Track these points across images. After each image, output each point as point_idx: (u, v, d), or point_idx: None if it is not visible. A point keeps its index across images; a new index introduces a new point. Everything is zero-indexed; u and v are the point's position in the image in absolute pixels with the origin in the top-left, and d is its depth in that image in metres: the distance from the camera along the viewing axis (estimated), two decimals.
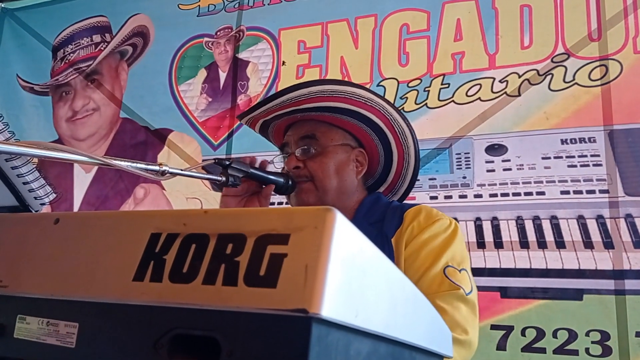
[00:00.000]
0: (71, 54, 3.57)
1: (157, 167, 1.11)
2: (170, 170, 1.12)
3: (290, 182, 1.50)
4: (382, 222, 1.50)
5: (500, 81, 2.59)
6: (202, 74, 3.25)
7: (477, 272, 2.35)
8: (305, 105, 1.51)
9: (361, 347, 0.64)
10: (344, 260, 0.57)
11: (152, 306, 0.61)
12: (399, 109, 1.63)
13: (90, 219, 0.72)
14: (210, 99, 3.19)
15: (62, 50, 3.62)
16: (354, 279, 0.59)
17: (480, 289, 1.46)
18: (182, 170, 1.17)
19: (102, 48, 3.52)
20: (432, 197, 2.56)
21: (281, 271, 0.55)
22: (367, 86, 2.52)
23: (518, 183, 2.44)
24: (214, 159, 1.33)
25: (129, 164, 1.04)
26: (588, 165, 2.40)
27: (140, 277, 0.62)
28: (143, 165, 1.08)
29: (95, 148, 3.26)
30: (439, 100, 2.65)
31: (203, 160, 3.07)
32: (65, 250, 0.69)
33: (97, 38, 3.55)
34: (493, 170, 2.49)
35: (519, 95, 2.57)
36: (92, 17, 3.60)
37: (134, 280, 0.62)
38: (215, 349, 0.57)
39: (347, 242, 0.58)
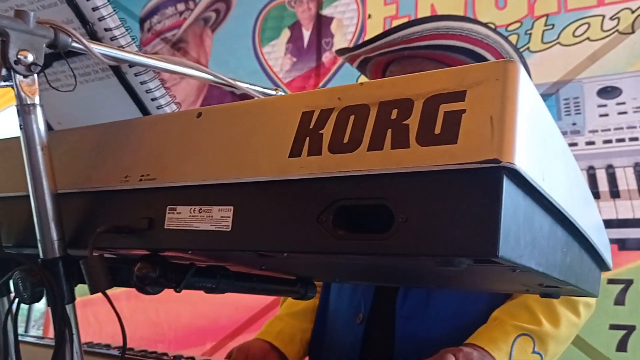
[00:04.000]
0: (157, 24, 3.65)
1: (273, 92, 1.10)
2: None
3: None
4: None
5: (611, 18, 2.39)
6: (286, 34, 3.23)
7: None
8: (417, 44, 1.45)
9: (543, 223, 0.58)
10: (528, 113, 0.51)
11: (313, 179, 0.58)
12: (518, 48, 1.53)
13: (234, 109, 0.70)
14: (294, 59, 3.18)
15: (148, 22, 3.71)
16: (538, 136, 0.54)
17: None
18: None
19: (187, 16, 3.58)
20: None
21: (460, 127, 0.51)
22: None
23: (635, 127, 2.25)
24: None
25: (249, 86, 1.03)
26: None
27: (297, 152, 0.59)
28: (261, 89, 1.07)
29: None
30: (542, 43, 2.49)
31: None
32: (212, 139, 0.68)
33: (181, 7, 3.61)
34: (606, 115, 2.31)
35: (633, 32, 2.36)
36: None
37: (290, 157, 0.60)
38: (385, 217, 0.54)
39: (529, 95, 0.52)
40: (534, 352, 1.13)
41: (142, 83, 0.92)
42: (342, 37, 3.03)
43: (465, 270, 0.63)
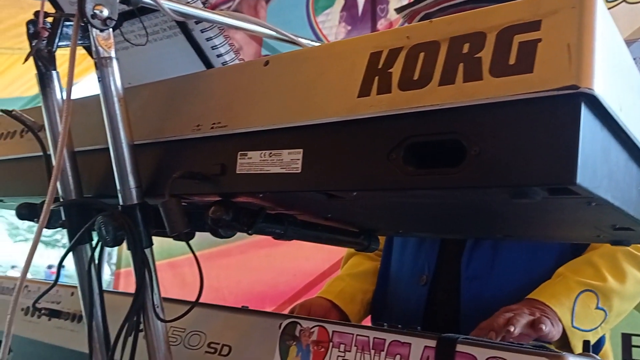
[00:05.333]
0: None
1: None
2: None
3: None
4: None
5: None
6: (340, 2, 3.20)
7: None
8: None
9: (619, 158, 0.57)
10: (605, 41, 0.50)
11: (383, 117, 0.58)
12: None
13: (300, 55, 0.71)
14: (349, 28, 3.15)
15: None
16: (615, 66, 0.52)
17: None
18: None
19: None
20: None
21: (536, 56, 0.50)
22: None
23: None
24: None
25: (309, 42, 1.04)
26: None
27: (366, 92, 0.60)
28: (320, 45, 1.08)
29: None
30: (607, 2, 2.37)
31: None
32: (280, 85, 0.69)
33: None
34: None
35: None
36: None
37: (359, 96, 0.60)
38: (457, 152, 0.54)
39: (606, 23, 0.51)
40: (597, 308, 1.11)
41: (207, 39, 0.94)
42: (398, 3, 2.98)
43: (538, 209, 0.62)
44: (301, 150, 0.64)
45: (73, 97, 0.81)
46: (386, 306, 1.39)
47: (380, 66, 0.60)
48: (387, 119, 0.58)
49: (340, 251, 2.86)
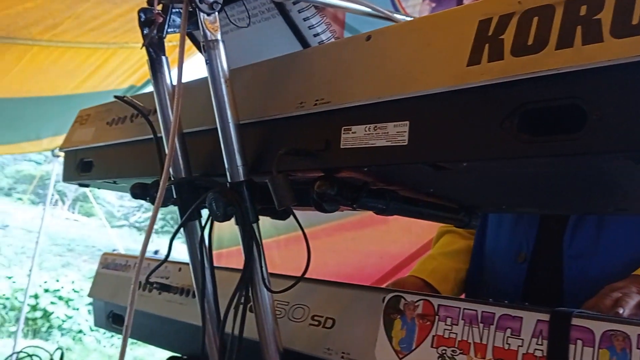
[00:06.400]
0: None
1: None
2: None
3: None
4: None
5: None
6: None
7: None
8: None
9: None
10: None
11: (495, 84, 0.57)
12: None
13: (404, 27, 0.71)
14: (433, 5, 3.08)
15: None
16: None
17: None
18: None
19: None
20: None
21: None
22: None
23: None
24: None
25: (405, 17, 1.03)
26: None
27: (476, 60, 0.59)
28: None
29: None
30: None
31: None
32: (383, 58, 0.69)
33: None
34: None
35: None
36: None
37: (468, 65, 0.59)
38: (575, 118, 0.52)
39: None
40: None
41: (305, 19, 0.95)
42: None
43: None
44: (407, 122, 0.64)
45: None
46: (481, 284, 1.37)
47: (490, 33, 0.59)
48: (499, 86, 0.57)
49: (428, 233, 2.84)
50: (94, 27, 4.09)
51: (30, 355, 1.64)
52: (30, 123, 5.82)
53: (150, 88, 0.93)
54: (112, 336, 13.19)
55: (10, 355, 1.87)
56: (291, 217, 0.84)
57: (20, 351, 1.70)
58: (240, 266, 0.82)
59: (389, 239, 3.09)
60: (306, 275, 0.83)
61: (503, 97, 0.57)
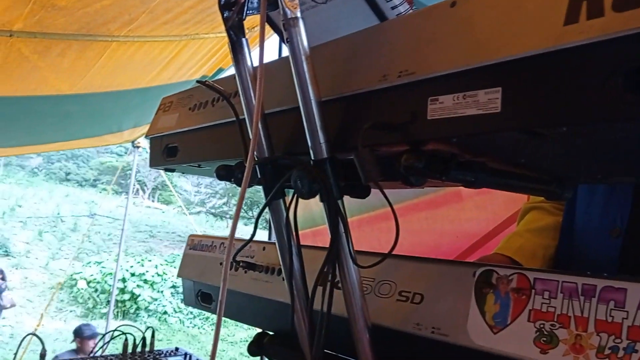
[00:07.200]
0: None
1: None
2: None
3: None
4: None
5: None
6: None
7: None
8: None
9: None
10: None
11: (595, 43, 0.54)
12: None
13: None
14: None
15: None
16: None
17: None
18: None
19: None
20: None
21: None
22: None
23: None
24: None
25: None
26: None
27: (573, 19, 0.56)
28: None
29: None
30: None
31: None
32: (471, 24, 0.67)
33: None
34: None
35: None
36: None
37: (565, 24, 0.56)
38: None
39: None
40: None
41: None
42: None
43: None
44: (499, 88, 0.62)
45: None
46: (572, 261, 1.31)
47: None
48: (600, 44, 0.53)
49: (505, 211, 2.75)
50: (167, 21, 4.22)
51: (124, 333, 1.74)
52: (111, 116, 6.13)
53: (220, 76, 0.95)
54: (194, 317, 13.83)
55: (107, 333, 1.99)
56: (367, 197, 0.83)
57: (115, 329, 1.80)
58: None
59: (463, 217, 3.02)
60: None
61: (605, 56, 0.53)
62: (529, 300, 0.72)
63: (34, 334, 1.77)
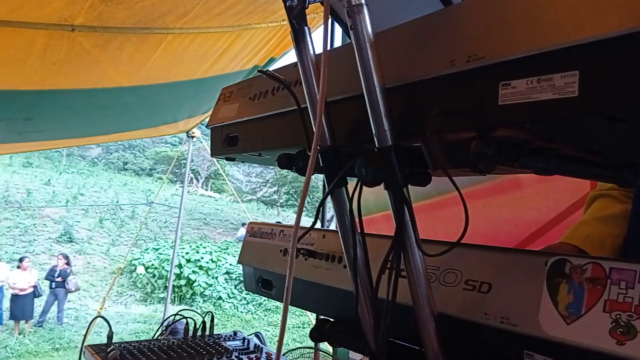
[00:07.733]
0: None
1: None
2: None
3: None
4: None
5: None
6: None
7: None
8: None
9: None
10: None
11: None
12: None
13: None
14: None
15: None
16: None
17: None
18: None
19: None
20: None
21: None
22: None
23: None
24: None
25: None
26: None
27: None
28: None
29: None
30: None
31: None
32: (545, 5, 0.65)
33: None
34: None
35: None
36: None
37: None
38: None
39: None
40: None
41: None
42: None
43: None
44: (577, 71, 0.60)
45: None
46: None
47: None
48: None
49: (567, 199, 2.66)
50: (220, 12, 4.27)
51: (185, 317, 1.80)
52: (167, 107, 6.28)
53: (272, 67, 0.95)
54: (248, 303, 14.12)
55: (168, 317, 2.06)
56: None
57: (177, 313, 1.86)
58: (386, 232, 0.82)
59: (523, 205, 2.94)
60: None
61: None
62: (605, 290, 0.69)
63: (102, 317, 1.85)
